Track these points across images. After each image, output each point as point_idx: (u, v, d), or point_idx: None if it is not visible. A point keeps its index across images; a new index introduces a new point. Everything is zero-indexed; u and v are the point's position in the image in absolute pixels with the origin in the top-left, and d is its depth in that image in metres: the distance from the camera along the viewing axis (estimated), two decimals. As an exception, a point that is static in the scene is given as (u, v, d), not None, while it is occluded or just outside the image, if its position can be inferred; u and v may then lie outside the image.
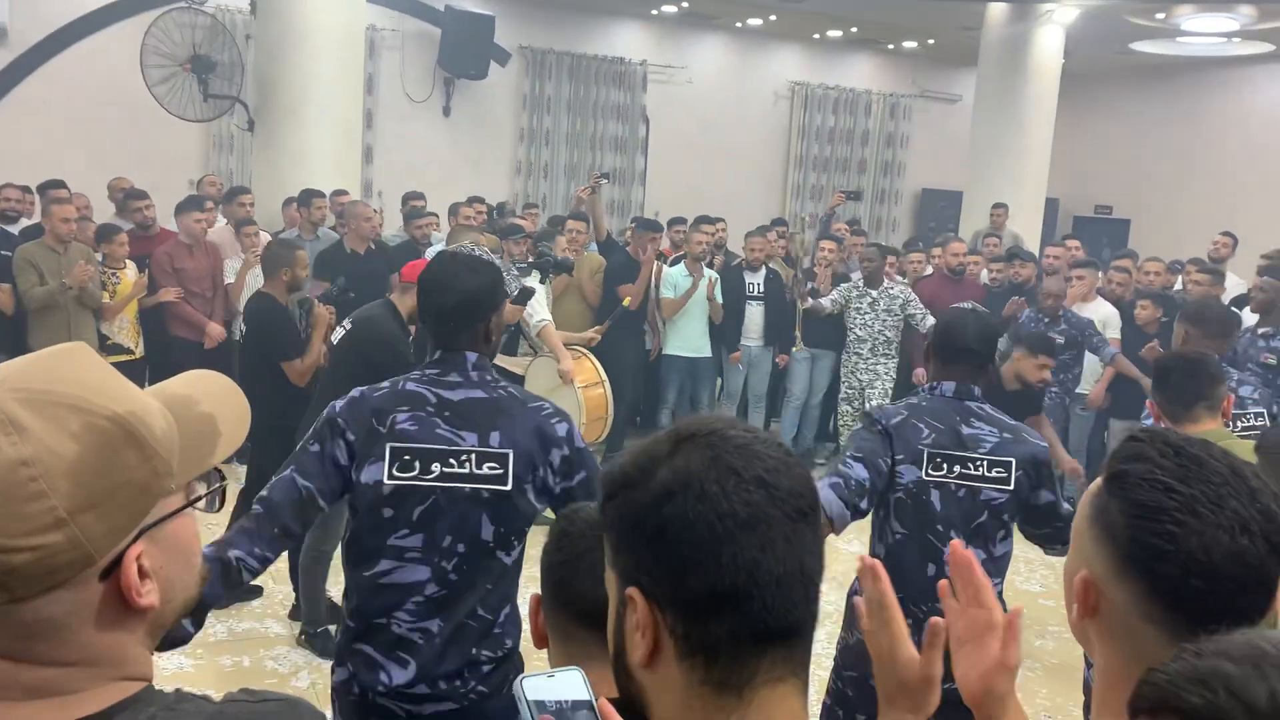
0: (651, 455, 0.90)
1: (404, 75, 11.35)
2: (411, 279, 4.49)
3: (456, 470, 2.27)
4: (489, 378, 2.36)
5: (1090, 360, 6.87)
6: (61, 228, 6.27)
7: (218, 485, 0.97)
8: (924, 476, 2.79)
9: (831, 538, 2.95)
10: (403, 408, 2.30)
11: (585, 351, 6.18)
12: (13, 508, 0.81)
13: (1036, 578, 5.94)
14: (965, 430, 2.82)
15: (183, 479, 0.91)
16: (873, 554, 2.93)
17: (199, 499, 0.94)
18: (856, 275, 7.90)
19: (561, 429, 2.34)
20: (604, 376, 6.06)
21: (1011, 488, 2.79)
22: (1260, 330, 5.69)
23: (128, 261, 6.65)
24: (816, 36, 13.27)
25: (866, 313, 7.22)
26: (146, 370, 6.81)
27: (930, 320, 7.17)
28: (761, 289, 7.77)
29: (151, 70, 7.75)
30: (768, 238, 8.04)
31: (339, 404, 2.32)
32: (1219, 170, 12.79)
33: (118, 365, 5.88)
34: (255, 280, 6.96)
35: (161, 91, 7.83)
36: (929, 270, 8.33)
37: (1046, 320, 7.07)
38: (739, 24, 12.74)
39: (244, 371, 5.03)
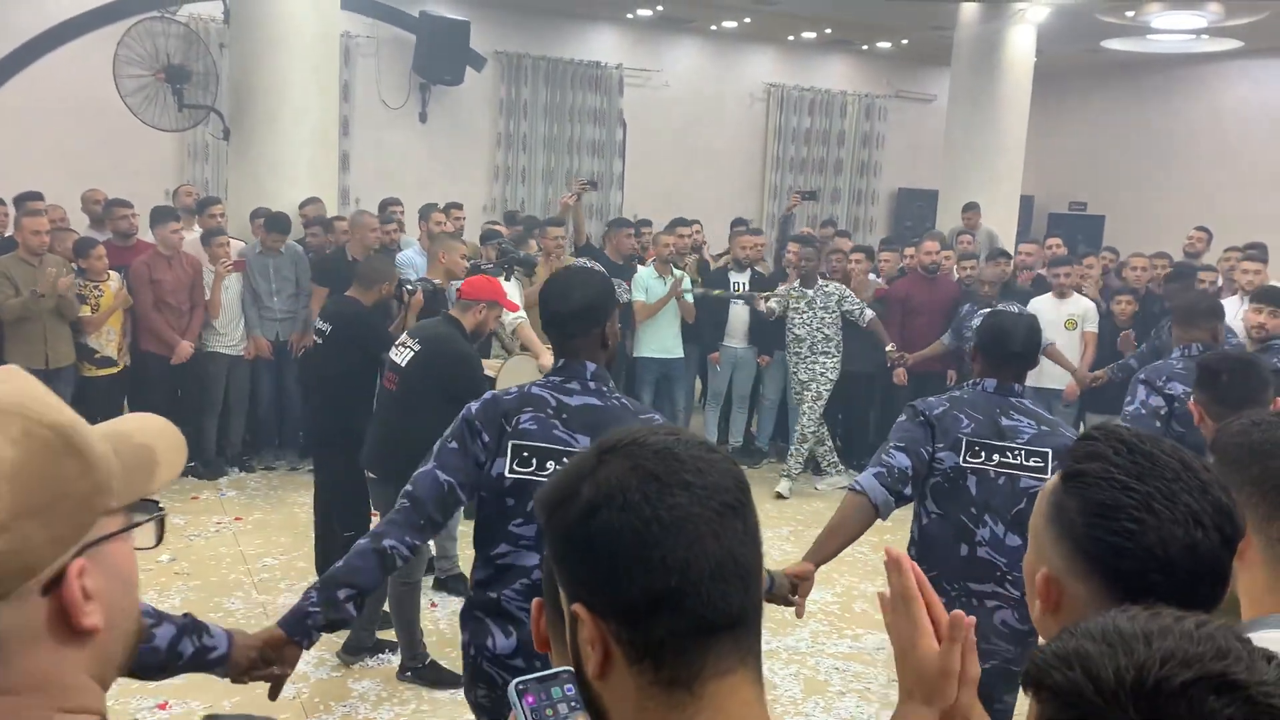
0: (576, 473, 0.92)
1: (380, 82, 11.33)
2: (470, 295, 4.44)
3: None
4: (605, 389, 2.56)
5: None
6: (33, 240, 6.23)
7: (158, 514, 0.95)
8: (961, 463, 2.96)
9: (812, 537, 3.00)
10: (527, 409, 2.51)
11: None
12: None
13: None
14: (1005, 421, 3.00)
15: (123, 501, 0.89)
16: (911, 533, 3.10)
17: (139, 524, 0.92)
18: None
19: None
20: None
21: (1049, 476, 2.84)
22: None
23: (110, 273, 6.61)
24: (791, 38, 13.33)
25: (804, 311, 7.24)
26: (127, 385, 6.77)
27: (869, 314, 7.30)
28: (746, 289, 7.81)
29: (125, 80, 7.71)
30: (756, 238, 8.11)
31: (475, 407, 2.55)
32: (1191, 166, 12.94)
33: (104, 378, 5.88)
34: (227, 294, 6.99)
35: (136, 101, 7.79)
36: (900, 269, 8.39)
37: (982, 311, 7.21)
38: (714, 27, 12.78)
39: (325, 370, 4.96)
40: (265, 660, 2.04)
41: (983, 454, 2.95)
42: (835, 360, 7.33)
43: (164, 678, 1.99)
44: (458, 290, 4.59)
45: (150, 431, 0.98)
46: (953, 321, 7.35)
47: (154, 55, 7.76)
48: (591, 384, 2.54)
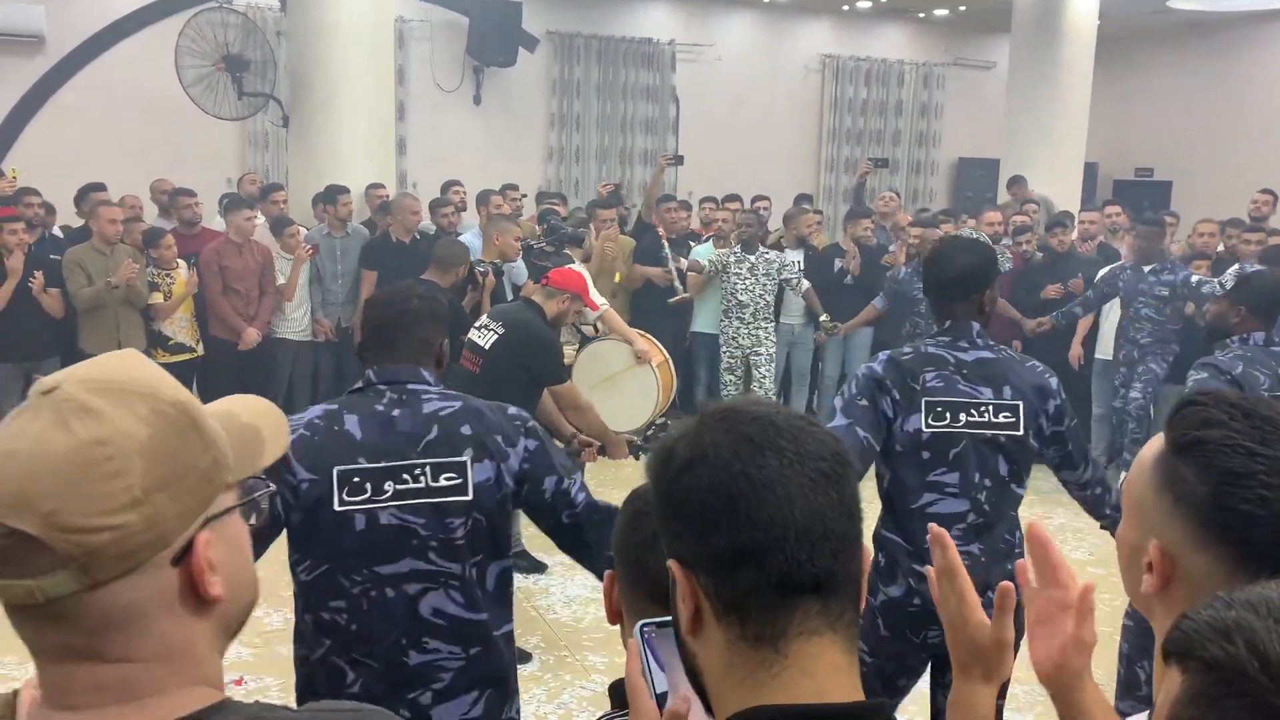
0: (677, 435, 0.96)
1: (434, 65, 11.40)
2: (557, 285, 4.45)
3: (978, 419, 2.72)
4: (991, 342, 2.80)
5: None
6: (109, 229, 6.39)
7: (266, 490, 1.00)
8: None
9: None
10: (929, 368, 2.74)
11: (643, 332, 6.24)
12: (91, 487, 0.82)
13: (1085, 545, 5.90)
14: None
15: (237, 476, 0.94)
16: None
17: (254, 498, 0.97)
18: (894, 246, 7.86)
19: (1053, 383, 2.81)
20: (666, 353, 6.14)
21: None
22: (1146, 269, 6.65)
23: (179, 261, 6.75)
24: (846, 8, 13.14)
25: (746, 278, 7.14)
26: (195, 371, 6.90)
27: (805, 284, 7.30)
28: (801, 265, 7.76)
29: (186, 71, 7.84)
30: (807, 216, 8.05)
31: (877, 367, 2.77)
32: (1262, 128, 12.52)
33: (181, 363, 6.04)
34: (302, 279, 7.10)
35: (197, 92, 7.92)
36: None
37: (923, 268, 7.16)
38: (766, -1, 12.65)
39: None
40: None
41: None
42: (774, 326, 7.30)
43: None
44: (544, 278, 4.60)
45: (254, 411, 1.02)
46: (885, 284, 7.37)
47: (213, 45, 7.88)
48: (979, 340, 2.77)
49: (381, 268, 6.95)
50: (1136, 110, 13.86)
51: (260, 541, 2.06)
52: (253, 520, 0.99)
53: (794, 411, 0.97)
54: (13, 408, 0.89)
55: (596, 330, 6.15)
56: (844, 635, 0.92)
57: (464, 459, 2.18)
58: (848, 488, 0.93)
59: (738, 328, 7.23)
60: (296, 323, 7.15)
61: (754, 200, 8.78)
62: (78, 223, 7.57)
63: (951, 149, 14.06)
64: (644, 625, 1.00)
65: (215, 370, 6.90)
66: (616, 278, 7.39)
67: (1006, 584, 1.13)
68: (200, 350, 6.80)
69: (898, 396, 2.71)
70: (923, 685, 2.96)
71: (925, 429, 2.69)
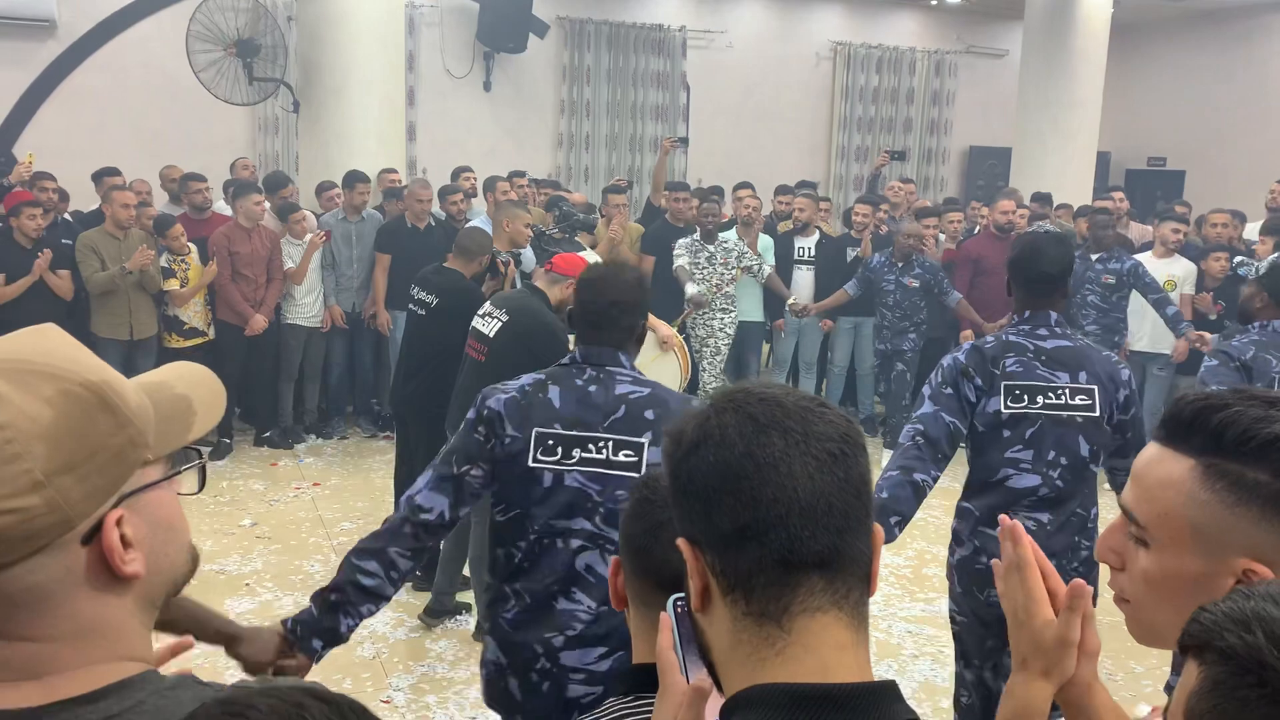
0: (688, 418, 0.98)
1: (444, 51, 11.38)
2: (562, 271, 4.43)
3: (1055, 401, 2.97)
4: (1068, 331, 3.04)
5: None
6: (122, 213, 6.41)
7: (197, 462, 0.98)
8: None
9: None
10: (1010, 354, 2.98)
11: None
12: None
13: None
14: None
15: (160, 452, 0.92)
16: None
17: (178, 473, 0.95)
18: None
19: (1125, 373, 3.04)
20: (680, 337, 6.17)
21: None
22: (1094, 257, 6.84)
23: (190, 246, 6.77)
24: (857, -5, 13.07)
25: (704, 267, 7.07)
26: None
27: (768, 270, 7.26)
28: (812, 253, 7.73)
29: (197, 56, 7.84)
30: (816, 202, 8.03)
31: (961, 356, 3.01)
32: (1276, 117, 12.44)
33: (195, 348, 6.07)
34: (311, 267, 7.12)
35: (207, 76, 7.92)
36: (975, 229, 8.23)
37: (900, 265, 7.15)
38: (778, -14, 12.57)
39: (429, 340, 5.01)
40: None
41: None
42: (733, 316, 7.19)
43: None
44: (548, 263, 4.59)
45: (189, 380, 1.00)
46: (858, 272, 7.35)
47: (224, 30, 7.87)
48: (1057, 329, 3.02)
49: (396, 251, 7.03)
50: (1149, 99, 13.78)
51: (477, 491, 2.38)
52: (194, 490, 0.96)
53: (804, 393, 0.98)
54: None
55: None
56: (850, 613, 0.92)
57: (643, 440, 2.39)
58: (855, 468, 0.93)
59: (694, 316, 7.08)
60: (308, 308, 7.15)
61: (777, 192, 8.75)
62: (88, 207, 7.59)
63: (963, 137, 14.00)
64: (677, 599, 1.01)
65: (225, 353, 6.92)
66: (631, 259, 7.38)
67: (1079, 582, 1.10)
68: (212, 334, 6.83)
69: (980, 383, 2.95)
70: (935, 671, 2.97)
71: (1004, 410, 2.94)
